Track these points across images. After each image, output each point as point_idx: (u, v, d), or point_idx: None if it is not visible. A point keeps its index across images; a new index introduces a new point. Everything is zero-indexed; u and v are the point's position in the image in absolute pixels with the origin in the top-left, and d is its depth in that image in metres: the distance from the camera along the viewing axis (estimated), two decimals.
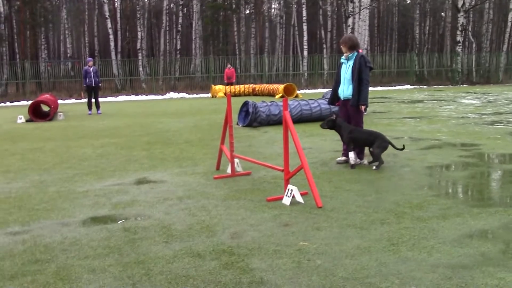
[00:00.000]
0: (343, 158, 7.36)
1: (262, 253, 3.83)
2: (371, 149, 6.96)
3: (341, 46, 7.24)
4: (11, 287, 3.39)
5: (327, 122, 7.29)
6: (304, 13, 39.32)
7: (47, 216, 5.05)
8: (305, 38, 38.93)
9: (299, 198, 5.19)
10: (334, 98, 7.61)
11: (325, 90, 22.29)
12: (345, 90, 7.24)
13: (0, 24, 34.90)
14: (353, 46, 7.15)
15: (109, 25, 36.44)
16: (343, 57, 7.32)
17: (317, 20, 47.33)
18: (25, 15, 35.96)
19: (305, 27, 38.93)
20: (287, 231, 4.35)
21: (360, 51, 7.19)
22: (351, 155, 6.98)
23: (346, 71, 7.21)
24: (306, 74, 37.80)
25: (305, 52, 38.70)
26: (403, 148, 7.29)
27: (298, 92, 25.57)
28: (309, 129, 10.96)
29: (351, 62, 7.14)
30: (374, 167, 6.83)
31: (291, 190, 5.19)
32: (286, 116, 5.35)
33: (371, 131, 7.26)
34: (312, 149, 8.67)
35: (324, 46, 43.35)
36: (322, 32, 45.60)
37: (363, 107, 7.14)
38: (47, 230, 4.57)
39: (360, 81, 7.04)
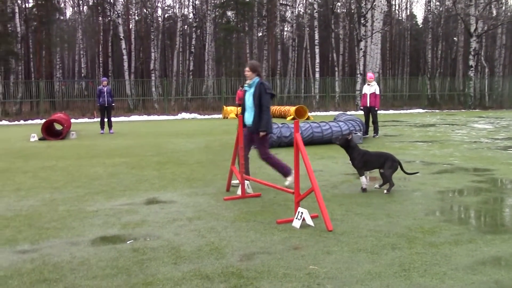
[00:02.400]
0: (237, 181, 6.98)
1: (271, 277, 3.79)
2: (381, 170, 6.91)
3: (246, 73, 7.08)
4: None
5: (341, 139, 7.15)
6: (316, 36, 39.59)
7: (57, 235, 5.05)
8: (317, 61, 39.12)
9: (309, 221, 5.15)
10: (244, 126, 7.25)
11: (336, 113, 22.28)
12: (248, 117, 7.08)
13: (17, 43, 35.55)
14: (255, 71, 7.03)
15: (124, 46, 36.94)
16: (246, 84, 7.20)
17: (329, 43, 47.56)
18: (42, 35, 36.59)
19: (317, 50, 39.15)
20: (297, 254, 4.30)
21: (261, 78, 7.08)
22: (363, 179, 6.92)
23: (248, 98, 7.10)
24: (317, 97, 37.88)
25: (317, 75, 38.85)
26: (413, 173, 7.25)
27: (309, 114, 25.59)
28: (320, 152, 10.93)
29: (252, 89, 7.03)
30: (385, 191, 6.77)
31: (302, 212, 5.16)
32: (297, 138, 5.34)
33: (381, 153, 7.23)
34: (323, 171, 8.64)
35: (336, 69, 43.51)
36: (334, 55, 45.81)
37: (263, 134, 6.94)
38: (56, 249, 4.57)
39: (260, 107, 6.91)
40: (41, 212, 6.03)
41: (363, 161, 6.89)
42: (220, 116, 29.16)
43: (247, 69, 7.09)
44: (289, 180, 6.89)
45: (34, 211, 6.10)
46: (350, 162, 7.12)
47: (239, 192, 6.71)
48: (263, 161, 7.20)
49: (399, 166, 6.91)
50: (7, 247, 4.65)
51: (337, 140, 7.17)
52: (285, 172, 7.10)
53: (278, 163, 7.14)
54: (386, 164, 6.83)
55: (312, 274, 3.83)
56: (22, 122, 27.44)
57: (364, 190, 6.89)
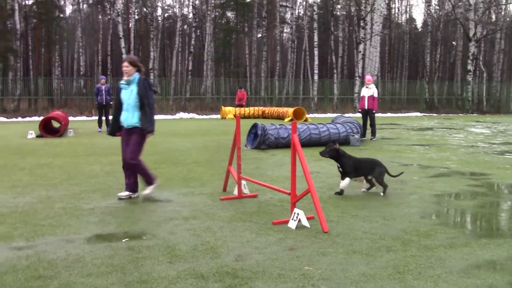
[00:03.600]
0: (126, 193, 6.65)
1: (266, 277, 3.79)
2: (369, 177, 6.93)
3: (125, 69, 6.44)
4: None
5: (329, 151, 6.82)
6: (316, 38, 39.65)
7: (52, 232, 5.04)
8: (316, 63, 39.17)
9: (305, 222, 5.16)
10: (115, 128, 6.77)
11: (334, 115, 22.31)
12: (129, 117, 6.48)
13: (16, 40, 35.49)
14: (135, 66, 6.50)
15: (123, 45, 36.91)
16: (122, 81, 6.57)
17: (328, 46, 47.61)
18: (41, 32, 36.54)
19: (316, 52, 39.19)
20: (292, 255, 4.31)
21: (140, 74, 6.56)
22: (346, 182, 6.79)
23: (129, 96, 6.47)
24: (316, 99, 37.92)
25: (316, 77, 38.89)
26: (399, 175, 7.19)
27: (307, 116, 25.61)
28: (317, 154, 10.80)
29: (133, 87, 6.45)
30: (382, 194, 6.78)
31: (297, 214, 5.16)
32: (295, 140, 5.35)
33: (370, 159, 7.27)
34: (319, 173, 8.65)
35: (335, 71, 43.57)
36: (333, 57, 45.88)
37: (150, 135, 6.56)
38: (51, 246, 4.56)
39: (144, 106, 6.41)
40: (37, 209, 6.03)
41: (354, 167, 6.84)
42: (218, 116, 29.16)
43: (125, 64, 6.45)
44: (149, 189, 6.63)
45: (30, 208, 6.09)
46: (339, 167, 6.93)
47: (235, 192, 6.71)
48: (128, 163, 6.54)
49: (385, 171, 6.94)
50: (2, 244, 4.64)
51: (326, 153, 6.84)
52: (149, 180, 6.66)
53: (145, 170, 6.64)
54: (376, 170, 6.84)
55: (307, 275, 3.84)
56: (20, 119, 27.39)
57: (340, 193, 6.84)
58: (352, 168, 6.83)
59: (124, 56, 36.25)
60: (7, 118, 27.46)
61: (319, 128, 13.01)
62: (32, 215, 5.73)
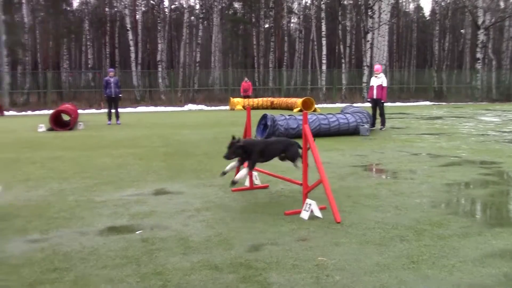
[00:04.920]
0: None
1: (280, 268, 3.81)
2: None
3: None
4: None
5: (234, 150, 5.73)
6: (323, 28, 39.40)
7: (66, 224, 5.09)
8: (324, 52, 38.96)
9: (317, 213, 5.16)
10: None
11: (343, 105, 22.23)
12: None
13: (24, 34, 35.62)
14: None
15: (130, 37, 36.92)
16: None
17: (336, 35, 47.32)
18: (49, 26, 36.62)
19: (324, 42, 38.97)
20: (305, 245, 4.32)
21: None
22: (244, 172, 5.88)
23: None
24: (324, 89, 37.78)
25: (324, 67, 38.72)
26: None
27: (316, 106, 25.54)
28: (327, 144, 10.91)
29: None
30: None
31: (310, 204, 5.17)
32: (306, 130, 5.34)
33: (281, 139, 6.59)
34: (330, 163, 8.63)
35: (343, 61, 43.33)
36: (341, 47, 45.63)
37: None
38: (66, 239, 4.60)
39: None
40: (50, 202, 6.07)
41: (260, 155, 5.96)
42: (227, 107, 29.16)
43: None
44: None
45: (43, 201, 6.14)
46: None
47: (247, 183, 6.72)
48: None
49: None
50: (17, 237, 4.69)
51: (233, 155, 5.76)
52: None
53: None
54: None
55: (321, 265, 3.85)
56: (29, 112, 27.54)
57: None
58: (257, 155, 5.88)
59: (131, 48, 36.33)
60: (17, 111, 27.62)
61: (328, 118, 12.97)
62: (45, 208, 5.78)
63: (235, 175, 5.84)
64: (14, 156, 9.99)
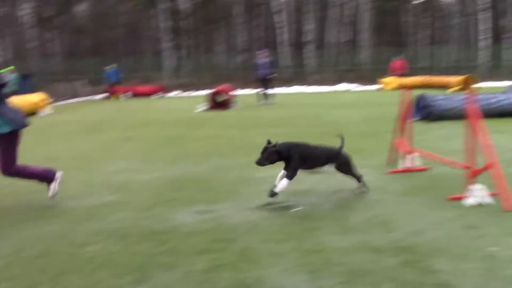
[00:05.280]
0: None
1: (446, 255, 3.62)
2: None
3: None
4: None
5: (268, 155, 5.13)
6: None
7: (229, 198, 5.38)
8: (483, 27, 35.67)
9: (485, 199, 4.80)
10: None
11: (508, 83, 20.26)
12: None
13: (183, 20, 38.19)
14: None
15: (280, 18, 37.51)
16: None
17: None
18: (207, 10, 38.82)
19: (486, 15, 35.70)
20: (472, 233, 4.05)
21: None
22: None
23: None
24: (485, 66, 34.79)
25: (484, 42, 35.55)
26: None
27: (475, 85, 23.67)
28: (490, 125, 10.04)
29: None
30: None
31: (478, 189, 4.82)
32: (473, 110, 4.97)
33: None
34: (496, 147, 7.93)
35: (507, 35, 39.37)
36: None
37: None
38: (229, 211, 4.87)
39: None
40: (214, 177, 6.48)
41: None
42: (378, 87, 28.40)
43: None
44: (52, 188, 5.38)
45: (207, 175, 6.57)
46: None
47: (407, 164, 6.47)
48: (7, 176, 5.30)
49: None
50: (187, 208, 5.07)
51: (266, 160, 5.16)
52: (47, 178, 5.38)
53: (32, 173, 5.33)
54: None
55: (493, 256, 3.58)
56: (187, 93, 29.68)
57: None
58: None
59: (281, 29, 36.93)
60: (177, 92, 29.90)
61: (490, 98, 11.85)
62: (210, 182, 6.18)
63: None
64: (179, 133, 10.83)
